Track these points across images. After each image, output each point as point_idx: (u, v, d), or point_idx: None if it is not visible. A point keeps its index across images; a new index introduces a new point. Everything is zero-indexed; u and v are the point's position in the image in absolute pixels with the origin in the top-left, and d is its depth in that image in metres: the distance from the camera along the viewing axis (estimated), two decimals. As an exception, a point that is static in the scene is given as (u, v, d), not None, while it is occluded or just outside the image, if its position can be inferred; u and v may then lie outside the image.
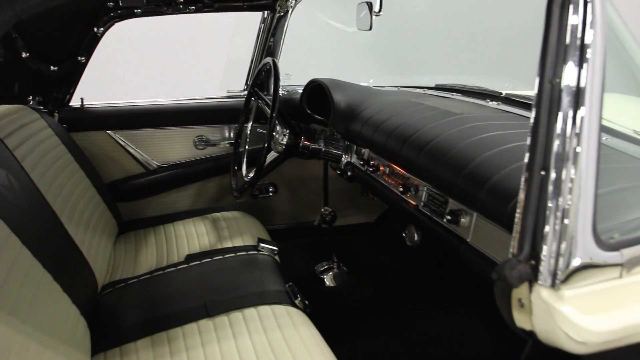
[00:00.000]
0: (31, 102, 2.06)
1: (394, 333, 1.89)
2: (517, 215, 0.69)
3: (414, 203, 1.48)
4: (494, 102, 1.76)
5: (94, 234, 1.78)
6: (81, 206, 1.78)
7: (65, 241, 1.50)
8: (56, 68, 2.03)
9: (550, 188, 0.66)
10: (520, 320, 0.71)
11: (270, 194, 2.46)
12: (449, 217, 1.28)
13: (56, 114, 2.14)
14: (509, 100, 1.74)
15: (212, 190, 2.44)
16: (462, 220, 1.25)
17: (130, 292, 1.59)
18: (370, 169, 1.72)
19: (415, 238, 1.89)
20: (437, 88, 2.19)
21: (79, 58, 2.07)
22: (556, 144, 0.65)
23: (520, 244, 0.68)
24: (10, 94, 2.01)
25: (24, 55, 1.91)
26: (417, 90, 2.22)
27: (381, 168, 1.68)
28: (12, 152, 1.47)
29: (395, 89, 2.34)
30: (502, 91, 1.81)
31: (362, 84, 2.24)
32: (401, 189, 1.52)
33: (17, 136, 1.57)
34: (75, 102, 2.22)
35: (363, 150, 1.81)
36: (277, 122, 1.84)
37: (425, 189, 1.43)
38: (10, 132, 1.54)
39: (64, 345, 1.16)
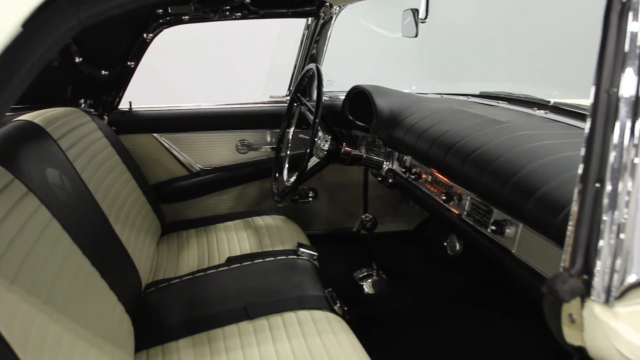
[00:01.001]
0: (83, 105, 2.14)
1: (432, 343, 1.86)
2: (569, 228, 0.67)
3: (456, 212, 1.46)
4: (542, 111, 1.72)
5: (139, 234, 1.82)
6: (127, 206, 1.83)
7: (112, 240, 1.54)
8: (107, 72, 2.10)
9: (606, 201, 0.63)
10: (570, 335, 0.68)
11: (310, 199, 2.47)
12: (493, 228, 1.26)
13: (106, 117, 2.22)
14: (557, 109, 1.70)
15: (253, 194, 2.47)
16: (507, 230, 1.23)
17: (173, 291, 1.62)
18: (412, 177, 1.71)
19: (457, 247, 1.86)
20: (482, 96, 2.15)
21: (129, 63, 2.13)
22: (612, 155, 0.63)
23: (572, 257, 0.66)
24: (64, 97, 2.10)
25: (77, 60, 1.98)
26: (461, 97, 2.20)
27: (423, 176, 1.66)
28: (65, 152, 1.52)
29: (439, 96, 2.32)
30: (550, 100, 1.76)
31: (404, 90, 2.23)
32: (444, 198, 1.50)
33: (69, 138, 1.63)
34: (123, 105, 2.29)
35: (405, 157, 1.80)
36: (319, 127, 1.85)
37: (468, 198, 1.40)
38: (63, 133, 1.60)
39: (109, 341, 1.20)
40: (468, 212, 1.40)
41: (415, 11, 1.75)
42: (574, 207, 0.67)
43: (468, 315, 1.99)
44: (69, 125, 1.69)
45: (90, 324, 1.13)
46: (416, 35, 1.76)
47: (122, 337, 1.29)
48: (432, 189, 1.60)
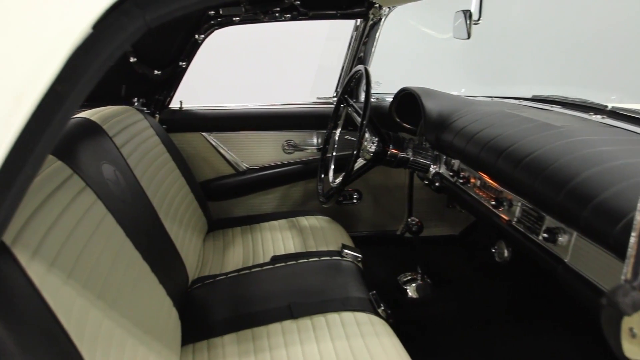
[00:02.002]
0: (136, 104, 2.21)
1: (477, 352, 1.82)
2: (632, 237, 0.64)
3: (506, 218, 1.42)
4: (598, 116, 1.65)
5: (187, 230, 1.87)
6: (176, 203, 1.87)
7: (162, 235, 1.59)
8: (159, 72, 2.16)
9: (673, 210, 0.61)
10: (631, 350, 0.65)
11: (355, 201, 2.47)
12: (545, 235, 1.22)
13: (157, 115, 2.28)
14: (615, 114, 1.63)
15: (298, 194, 2.48)
16: (560, 239, 1.18)
17: (218, 288, 1.65)
18: (461, 181, 1.68)
19: (505, 254, 1.81)
20: (535, 99, 2.09)
21: (180, 63, 2.18)
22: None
23: (635, 269, 0.63)
24: (118, 95, 2.17)
25: (131, 60, 2.05)
26: (513, 101, 2.14)
27: (472, 180, 1.63)
28: (119, 149, 1.57)
29: (489, 99, 2.27)
30: (607, 104, 1.70)
31: (453, 93, 2.19)
32: (493, 203, 1.46)
33: (123, 135, 1.68)
34: (174, 104, 2.35)
35: (453, 161, 1.77)
36: (366, 129, 1.84)
37: (519, 204, 1.37)
38: (118, 131, 1.65)
39: (158, 334, 1.23)
40: (518, 219, 1.37)
41: (467, 13, 1.72)
42: (638, 217, 0.64)
43: (515, 324, 1.94)
44: (123, 123, 1.75)
45: (141, 317, 1.17)
46: (468, 37, 1.72)
47: (169, 331, 1.32)
48: (481, 193, 1.57)
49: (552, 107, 1.92)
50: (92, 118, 1.57)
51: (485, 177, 1.53)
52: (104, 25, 0.49)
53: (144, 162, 1.73)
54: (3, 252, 0.77)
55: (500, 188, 1.45)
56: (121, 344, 1.02)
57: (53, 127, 0.51)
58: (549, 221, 1.24)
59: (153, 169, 1.79)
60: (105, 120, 1.62)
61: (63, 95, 0.50)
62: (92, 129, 1.50)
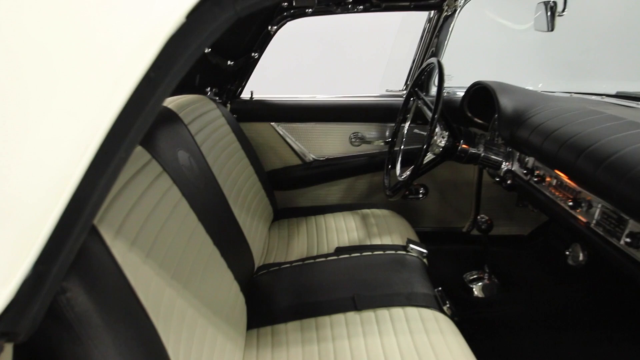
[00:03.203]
0: (209, 93, 2.27)
1: (545, 356, 1.76)
2: None
3: (584, 220, 1.35)
4: (692, 115, 1.54)
5: (254, 218, 1.91)
6: (244, 191, 1.92)
7: (231, 221, 1.63)
8: (232, 63, 2.21)
9: None
10: None
11: (421, 196, 2.43)
12: (627, 240, 1.15)
13: (229, 105, 2.34)
14: None
15: (363, 187, 2.48)
16: (645, 244, 1.12)
17: (283, 276, 1.68)
18: (535, 179, 1.61)
19: (580, 258, 1.73)
20: (619, 96, 1.97)
21: (253, 54, 2.22)
22: None
23: None
24: (192, 84, 2.24)
25: (206, 50, 2.11)
26: (595, 97, 2.03)
27: (547, 179, 1.56)
28: (194, 137, 1.63)
29: (568, 95, 2.17)
30: (702, 103, 1.58)
31: (529, 88, 2.11)
32: (570, 204, 1.40)
33: (197, 123, 1.74)
34: (245, 94, 2.40)
35: (527, 158, 1.70)
36: (437, 123, 1.80)
37: (599, 205, 1.30)
38: (192, 119, 1.71)
39: (226, 316, 1.27)
40: (598, 221, 1.30)
41: (549, 3, 1.64)
42: None
43: (587, 332, 1.85)
44: (197, 112, 1.80)
45: (210, 299, 1.21)
46: (551, 30, 1.65)
47: (236, 314, 1.35)
48: (557, 193, 1.50)
49: (638, 104, 1.80)
50: (169, 106, 1.63)
51: (563, 177, 1.47)
52: (196, 15, 0.51)
53: (215, 150, 1.78)
54: (91, 231, 0.82)
55: (579, 188, 1.38)
56: (192, 323, 1.06)
57: (146, 112, 0.53)
58: (633, 225, 1.17)
59: (224, 157, 1.84)
60: (181, 108, 1.68)
61: (156, 82, 0.52)
62: (169, 117, 1.56)
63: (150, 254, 0.99)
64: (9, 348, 0.62)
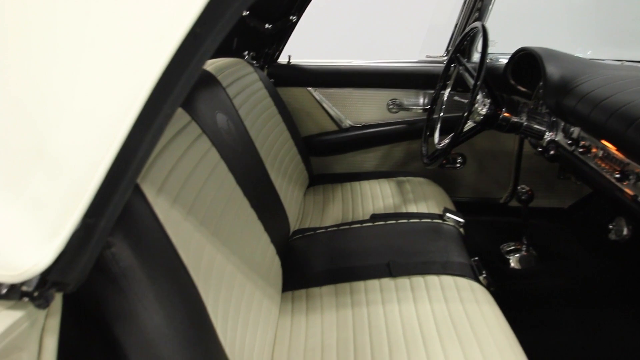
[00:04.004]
0: (246, 57, 2.26)
1: (581, 330, 1.73)
2: None
3: (631, 193, 1.30)
4: None
5: (289, 182, 1.92)
6: (281, 156, 1.92)
7: (267, 185, 1.64)
8: (270, 26, 2.18)
9: None
10: None
11: (458, 165, 2.40)
12: (677, 214, 1.11)
13: (266, 69, 2.32)
14: None
15: (400, 155, 2.45)
16: (696, 220, 1.07)
17: (318, 240, 1.69)
18: (580, 150, 1.56)
19: (624, 232, 1.68)
20: (674, 64, 1.88)
21: (291, 17, 2.19)
22: None
23: None
24: (229, 48, 2.23)
25: (244, 13, 2.08)
26: (648, 65, 1.93)
27: (593, 150, 1.51)
28: (232, 100, 1.63)
29: (619, 62, 2.07)
30: None
31: (577, 55, 2.02)
32: (617, 176, 1.34)
33: (235, 86, 1.74)
34: (283, 58, 2.38)
35: (573, 128, 1.64)
36: (479, 90, 1.75)
37: (649, 178, 1.25)
38: (230, 82, 1.71)
39: (262, 278, 1.29)
40: (646, 195, 1.25)
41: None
42: None
43: (626, 309, 1.81)
44: (235, 75, 1.80)
45: (248, 260, 1.23)
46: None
47: (272, 276, 1.38)
48: (603, 165, 1.45)
49: None
50: (207, 69, 1.63)
51: (611, 147, 1.41)
52: None
53: (253, 114, 1.78)
54: (134, 188, 0.83)
55: (627, 160, 1.33)
56: (231, 281, 1.09)
57: (191, 68, 0.53)
58: (684, 199, 1.12)
59: (261, 121, 1.84)
60: (219, 71, 1.68)
61: (201, 38, 0.52)
62: (207, 79, 1.56)
63: (191, 213, 1.01)
64: (58, 298, 0.64)
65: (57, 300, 0.64)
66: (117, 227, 0.74)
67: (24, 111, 0.54)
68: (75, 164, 0.53)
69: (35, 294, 0.56)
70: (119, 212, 0.58)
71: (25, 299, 0.57)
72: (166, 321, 0.76)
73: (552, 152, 1.74)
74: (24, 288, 0.55)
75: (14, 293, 0.55)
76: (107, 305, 0.73)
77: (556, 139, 1.75)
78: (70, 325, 0.75)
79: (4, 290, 0.55)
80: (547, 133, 1.78)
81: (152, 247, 0.81)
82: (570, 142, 1.63)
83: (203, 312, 0.89)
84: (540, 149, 1.83)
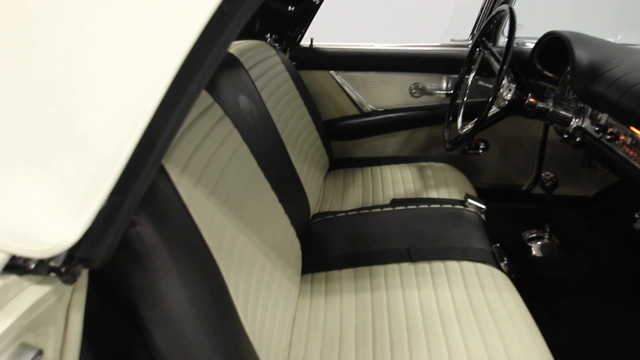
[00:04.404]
0: (269, 40, 2.25)
1: (602, 320, 1.71)
2: None
3: None
4: None
5: (310, 166, 1.92)
6: (302, 139, 1.92)
7: (288, 168, 1.64)
8: (293, 9, 2.16)
9: None
10: None
11: (481, 151, 2.37)
12: None
13: (288, 52, 2.31)
14: None
15: (421, 140, 2.43)
16: None
17: (338, 224, 1.69)
18: (608, 137, 1.52)
19: (650, 222, 1.65)
20: None
21: (314, 0, 2.17)
22: None
23: None
24: (252, 30, 2.22)
25: None
26: (681, 51, 1.87)
27: (622, 137, 1.47)
28: (254, 82, 1.63)
29: (650, 48, 2.01)
30: None
31: (608, 39, 1.96)
32: (646, 164, 1.32)
33: (257, 69, 1.73)
34: (305, 41, 2.36)
35: (600, 114, 1.61)
36: (505, 75, 1.72)
37: (679, 167, 1.22)
38: (253, 64, 1.71)
39: (282, 259, 1.29)
40: (675, 184, 1.22)
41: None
42: None
43: None
44: (258, 57, 1.80)
45: (269, 241, 1.23)
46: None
47: (292, 258, 1.38)
48: (631, 152, 1.42)
49: None
50: (230, 51, 1.63)
51: (640, 135, 1.38)
52: None
53: (274, 96, 1.78)
54: (159, 168, 0.84)
55: None
56: (252, 261, 1.09)
57: (218, 47, 0.53)
58: None
59: (282, 104, 1.84)
60: (242, 53, 1.67)
61: (229, 16, 0.51)
62: (230, 61, 1.56)
63: (213, 193, 1.02)
64: (84, 274, 0.65)
65: (83, 277, 0.65)
66: (142, 206, 0.75)
67: (52, 91, 0.55)
68: (102, 142, 0.53)
69: (63, 269, 0.56)
70: (144, 190, 0.59)
71: (53, 275, 0.58)
72: (188, 299, 0.77)
73: (578, 139, 1.70)
74: (52, 263, 0.56)
75: (42, 268, 0.56)
76: (130, 283, 0.75)
77: (583, 126, 1.71)
78: (95, 302, 0.76)
79: (33, 265, 0.56)
80: (573, 119, 1.75)
81: (175, 226, 0.82)
82: (597, 129, 1.60)
83: (224, 291, 0.90)
84: (565, 136, 1.80)
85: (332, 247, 1.55)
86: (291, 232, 1.44)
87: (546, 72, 2.08)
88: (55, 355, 0.63)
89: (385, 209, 1.73)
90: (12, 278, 0.56)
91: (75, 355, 0.66)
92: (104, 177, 0.53)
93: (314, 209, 1.81)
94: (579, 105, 1.73)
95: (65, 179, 0.54)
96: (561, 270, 1.97)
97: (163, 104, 0.52)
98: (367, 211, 1.74)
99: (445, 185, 1.88)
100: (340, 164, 2.23)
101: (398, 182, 1.96)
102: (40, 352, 0.59)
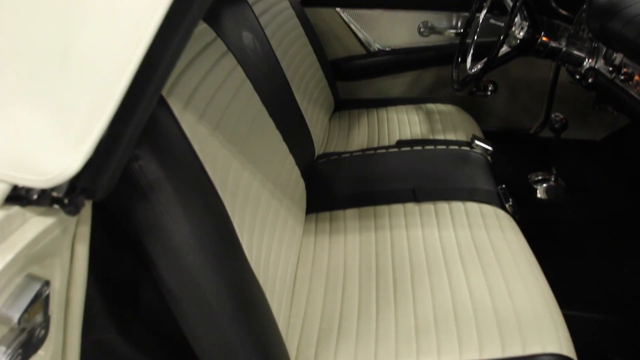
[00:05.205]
0: None
1: (605, 262, 1.73)
2: None
3: None
4: None
5: (315, 106, 1.89)
6: (307, 79, 1.88)
7: (293, 107, 1.62)
8: None
9: None
10: None
11: (489, 93, 2.32)
12: None
13: None
14: None
15: (429, 80, 2.38)
16: None
17: (343, 165, 1.68)
18: (621, 77, 1.48)
19: (660, 165, 1.63)
20: None
21: None
22: None
23: None
24: None
25: None
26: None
27: (636, 77, 1.43)
28: (258, 18, 1.57)
29: (671, -16, 1.92)
30: None
31: (627, -25, 1.88)
32: (660, 105, 1.28)
33: (262, 4, 1.67)
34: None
35: (615, 54, 1.56)
36: (518, 12, 1.66)
37: (694, 108, 1.19)
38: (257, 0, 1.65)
39: (287, 198, 1.29)
40: (689, 125, 1.20)
41: None
42: None
43: None
44: None
45: (274, 180, 1.23)
46: None
47: (297, 197, 1.38)
48: (645, 93, 1.38)
49: None
50: None
51: (655, 75, 1.34)
52: None
53: (279, 33, 1.73)
54: (159, 100, 0.82)
55: None
56: (257, 198, 1.09)
57: None
58: None
59: (287, 42, 1.79)
60: None
61: None
62: None
63: (217, 130, 1.00)
64: (88, 207, 0.65)
65: (87, 209, 0.65)
66: (144, 140, 0.73)
67: (47, 12, 0.52)
68: (101, 67, 0.51)
69: (66, 200, 0.56)
70: (145, 120, 0.57)
71: (56, 206, 0.57)
72: (193, 233, 0.77)
73: (590, 80, 1.66)
74: (54, 194, 0.55)
75: (44, 199, 0.56)
76: (135, 217, 0.74)
77: (596, 66, 1.67)
78: (101, 236, 0.76)
79: (35, 196, 0.55)
80: (586, 60, 1.70)
81: (179, 161, 0.81)
82: (611, 69, 1.56)
83: (229, 227, 0.90)
84: (577, 77, 1.75)
85: (337, 187, 1.55)
86: (296, 172, 1.43)
87: (561, 10, 2.01)
88: (62, 286, 0.64)
89: (390, 150, 1.72)
90: (15, 209, 0.56)
91: (82, 287, 0.67)
92: (104, 105, 0.51)
93: (318, 149, 1.80)
94: (593, 45, 1.68)
95: (65, 107, 0.52)
96: (566, 213, 1.97)
97: (164, 26, 0.49)
98: (372, 152, 1.73)
99: (452, 127, 1.86)
100: (346, 105, 2.19)
101: (404, 123, 1.93)
102: (47, 283, 0.59)
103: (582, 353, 1.03)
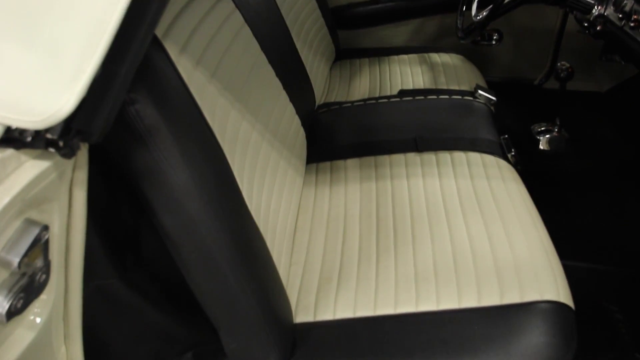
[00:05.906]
0: None
1: (607, 213, 1.73)
2: None
3: None
4: None
5: (315, 55, 1.85)
6: (307, 26, 1.83)
7: (293, 55, 1.58)
8: None
9: None
10: None
11: (494, 42, 2.26)
12: None
13: None
14: None
15: (432, 29, 2.31)
16: None
17: (344, 114, 1.66)
18: (631, 24, 1.44)
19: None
20: None
21: None
22: None
23: None
24: None
25: None
26: None
27: (646, 24, 1.39)
28: None
29: None
30: None
31: None
32: (670, 53, 1.25)
33: None
34: None
35: (625, 0, 1.51)
36: None
37: None
38: None
39: (287, 148, 1.28)
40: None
41: None
42: None
43: None
44: None
45: (273, 129, 1.21)
46: None
47: (297, 147, 1.37)
48: (655, 41, 1.34)
49: None
50: None
51: (666, 21, 1.30)
52: None
53: None
54: (155, 43, 0.79)
55: None
56: (256, 147, 1.08)
57: None
58: None
59: None
60: None
61: None
62: None
63: (215, 76, 0.98)
64: (84, 151, 0.64)
65: (84, 153, 0.63)
66: (140, 83, 0.71)
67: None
68: (92, 3, 0.49)
69: (61, 142, 0.55)
70: (139, 60, 0.55)
71: (51, 149, 0.56)
72: (192, 180, 0.76)
73: (599, 28, 1.61)
74: (49, 136, 0.54)
75: (39, 141, 0.54)
76: (133, 162, 0.73)
77: (605, 13, 1.62)
78: (100, 182, 0.76)
79: (29, 138, 0.54)
80: (596, 7, 1.64)
81: (176, 105, 0.79)
82: (621, 16, 1.51)
83: (229, 174, 0.90)
84: (585, 24, 1.70)
85: (338, 137, 1.53)
86: (296, 121, 1.41)
87: None
88: (61, 231, 0.63)
89: (392, 100, 1.69)
90: (10, 152, 0.54)
91: (81, 232, 0.67)
92: (96, 42, 0.49)
93: (319, 99, 1.77)
94: (603, -10, 1.62)
95: (55, 45, 0.50)
96: (568, 164, 1.96)
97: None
98: (373, 102, 1.70)
99: (456, 77, 1.82)
100: (347, 54, 2.15)
101: (406, 73, 1.90)
102: (46, 228, 0.59)
103: (581, 302, 1.04)
